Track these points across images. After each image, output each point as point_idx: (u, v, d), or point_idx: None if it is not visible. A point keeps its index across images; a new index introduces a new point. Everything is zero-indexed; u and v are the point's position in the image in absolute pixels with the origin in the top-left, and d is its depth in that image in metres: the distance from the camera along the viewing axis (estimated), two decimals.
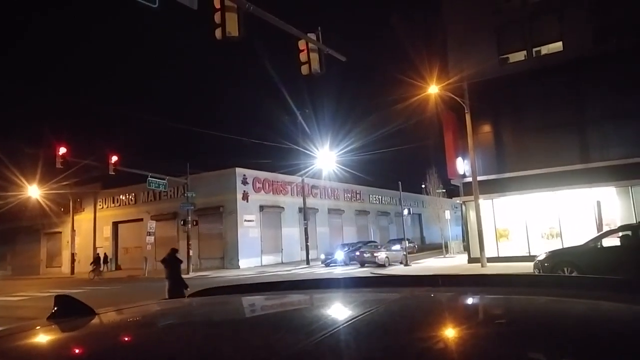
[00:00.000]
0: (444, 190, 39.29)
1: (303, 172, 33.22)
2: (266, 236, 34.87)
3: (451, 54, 22.68)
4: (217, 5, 8.61)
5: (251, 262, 32.38)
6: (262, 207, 34.96)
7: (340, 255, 29.01)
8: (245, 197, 33.61)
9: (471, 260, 22.06)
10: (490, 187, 21.45)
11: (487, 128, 22.53)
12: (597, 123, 19.99)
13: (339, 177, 39.40)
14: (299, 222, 36.47)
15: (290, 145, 31.75)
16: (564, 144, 20.33)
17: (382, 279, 2.45)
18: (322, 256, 30.48)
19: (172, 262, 10.81)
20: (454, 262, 24.94)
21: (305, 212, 33.33)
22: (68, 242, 41.16)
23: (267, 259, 34.04)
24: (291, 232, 36.90)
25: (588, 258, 12.37)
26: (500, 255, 21.27)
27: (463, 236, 28.96)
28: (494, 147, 22.23)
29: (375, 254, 25.63)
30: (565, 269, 12.37)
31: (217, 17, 8.66)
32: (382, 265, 24.86)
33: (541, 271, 12.71)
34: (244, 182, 33.87)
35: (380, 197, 52.03)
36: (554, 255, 13.33)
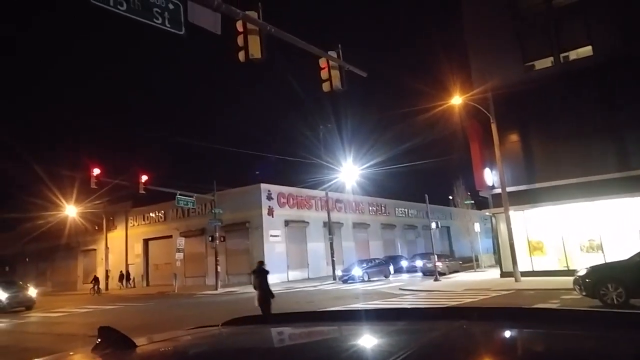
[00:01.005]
0: (473, 202, 38.52)
1: (326, 185, 33.24)
2: (292, 251, 34.91)
3: (474, 63, 22.43)
4: (240, 29, 8.81)
5: (278, 278, 32.38)
6: (287, 222, 35.07)
7: (357, 271, 28.32)
8: (270, 212, 33.83)
9: (504, 274, 21.45)
10: (521, 198, 20.88)
11: (514, 137, 22.05)
12: (635, 128, 19.01)
13: (363, 191, 39.24)
14: (324, 236, 36.36)
15: (314, 159, 31.88)
16: (599, 151, 19.42)
17: (414, 312, 2.35)
18: (339, 273, 29.96)
19: (260, 273, 11.81)
20: (486, 277, 24.28)
21: (330, 227, 33.22)
22: (102, 259, 42.27)
23: (294, 275, 34.01)
24: (316, 247, 36.81)
25: (635, 274, 11.37)
26: (534, 269, 20.58)
27: (494, 249, 28.25)
28: (523, 157, 21.68)
29: (437, 264, 26.25)
30: (610, 286, 11.58)
31: (240, 40, 8.86)
32: (443, 274, 25.98)
33: (582, 287, 12.05)
34: (269, 198, 34.12)
35: (406, 210, 51.42)
36: (595, 270, 12.32)
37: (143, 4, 7.15)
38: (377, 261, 30.84)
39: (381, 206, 47.60)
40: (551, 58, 21.34)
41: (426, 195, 27.23)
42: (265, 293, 11.36)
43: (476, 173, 22.35)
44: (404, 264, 35.80)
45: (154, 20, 7.33)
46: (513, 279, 19.50)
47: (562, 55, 21.13)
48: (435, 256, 27.06)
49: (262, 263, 12.53)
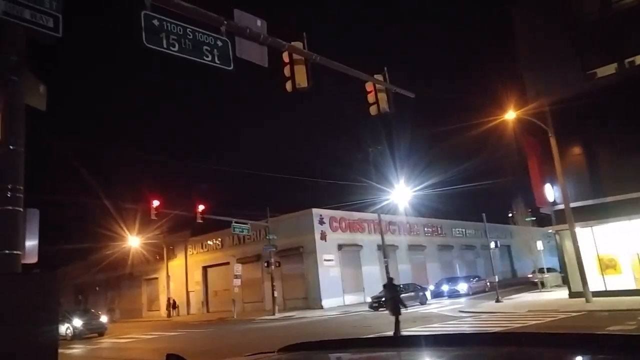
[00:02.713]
0: (534, 219, 36.65)
1: (378, 207, 32.89)
2: (346, 275, 34.61)
3: (528, 76, 21.63)
4: (286, 59, 9.11)
5: (334, 302, 32.16)
6: (340, 246, 34.94)
7: (462, 286, 28.04)
8: (323, 236, 33.87)
9: (572, 294, 20.08)
10: (588, 214, 19.60)
11: (576, 150, 20.90)
12: None
13: (417, 212, 38.45)
14: (379, 260, 35.79)
15: (365, 182, 31.78)
16: None
17: (476, 337, 2.24)
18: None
19: (390, 287, 13.98)
20: (552, 297, 22.81)
21: (384, 250, 32.64)
22: (164, 287, 43.91)
23: (350, 299, 33.60)
24: (371, 271, 36.27)
25: None
26: (607, 289, 19.12)
27: (560, 268, 26.61)
28: (587, 170, 20.44)
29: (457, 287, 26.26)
30: None
31: (286, 71, 9.14)
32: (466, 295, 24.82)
33: None
34: (321, 222, 34.23)
35: (463, 230, 49.75)
36: None
37: (193, 44, 7.58)
38: (410, 287, 29.67)
39: (437, 227, 46.38)
40: (614, 64, 20.13)
41: (483, 215, 26.29)
42: (396, 304, 13.33)
43: (536, 189, 21.33)
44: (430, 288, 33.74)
45: (204, 58, 7.72)
46: (583, 299, 18.20)
47: (626, 60, 19.91)
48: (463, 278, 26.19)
49: (391, 279, 14.64)
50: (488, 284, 34.26)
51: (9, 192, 5.36)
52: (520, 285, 34.93)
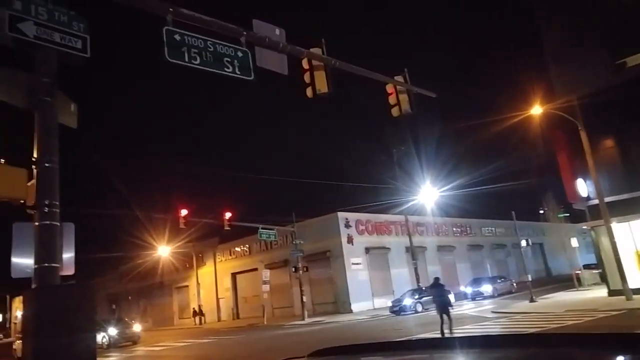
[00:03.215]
0: (567, 215, 35.65)
1: (404, 208, 32.60)
2: (375, 278, 34.38)
3: (555, 70, 21.07)
4: (306, 66, 9.19)
5: (363, 306, 31.98)
6: (367, 249, 34.75)
7: (408, 301, 26.17)
8: (349, 240, 33.77)
9: (612, 292, 19.41)
10: (624, 209, 18.94)
11: (609, 143, 20.25)
12: None
13: (445, 212, 37.93)
14: (407, 262, 35.46)
15: (390, 184, 31.57)
16: None
17: (510, 338, 2.19)
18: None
19: (437, 287, 14.51)
20: (590, 296, 22.08)
21: (412, 251, 32.41)
22: (194, 294, 44.58)
23: (379, 302, 33.33)
24: (400, 273, 35.92)
25: None
26: None
27: (597, 265, 25.73)
28: (621, 163, 19.77)
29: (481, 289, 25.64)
30: None
31: (306, 77, 9.22)
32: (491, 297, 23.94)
33: None
34: (347, 226, 34.15)
35: (493, 229, 48.77)
36: None
37: (214, 56, 7.74)
38: (436, 289, 28.73)
39: (466, 227, 45.62)
40: None
41: (513, 213, 25.73)
42: (443, 303, 13.82)
43: (567, 185, 20.75)
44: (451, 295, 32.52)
45: (225, 69, 7.87)
46: (623, 297, 17.57)
47: None
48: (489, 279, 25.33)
49: (437, 279, 15.04)
50: (514, 284, 33.20)
51: (46, 208, 5.59)
52: (556, 284, 33.92)
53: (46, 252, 5.53)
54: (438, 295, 14.47)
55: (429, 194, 32.04)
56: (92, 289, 5.70)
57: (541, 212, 43.00)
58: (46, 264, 5.49)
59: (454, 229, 44.08)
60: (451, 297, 28.13)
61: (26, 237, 5.72)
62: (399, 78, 11.09)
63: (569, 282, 30.43)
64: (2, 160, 5.40)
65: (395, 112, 10.89)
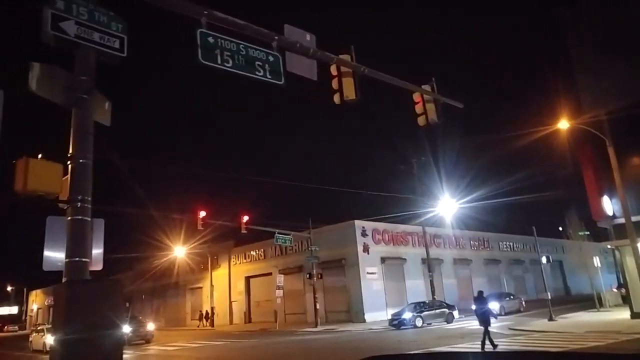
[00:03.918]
0: (587, 233, 34.78)
1: (422, 220, 32.30)
2: (390, 289, 34.06)
3: (582, 84, 20.71)
4: (334, 72, 9.20)
5: (377, 316, 31.67)
6: (383, 259, 34.48)
7: (408, 315, 25.27)
8: (365, 249, 33.57)
9: (635, 315, 18.87)
10: None
11: (637, 160, 19.78)
12: None
13: (463, 225, 37.48)
14: (423, 273, 35.09)
15: (408, 194, 31.35)
16: None
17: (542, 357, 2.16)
18: (389, 317, 27.86)
19: (480, 300, 15.13)
20: (612, 317, 21.47)
21: (429, 263, 32.03)
22: (208, 296, 44.77)
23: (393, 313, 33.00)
24: (415, 285, 35.54)
25: None
26: None
27: (619, 285, 25.06)
28: None
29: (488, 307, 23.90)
30: None
31: (334, 84, 9.23)
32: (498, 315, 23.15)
33: None
34: (364, 234, 33.97)
35: (511, 244, 48.00)
36: None
37: (246, 59, 7.80)
38: (436, 303, 27.78)
39: (483, 240, 45.03)
40: None
41: (534, 228, 25.24)
42: (485, 317, 14.40)
43: (592, 202, 20.32)
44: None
45: (256, 73, 7.93)
46: None
47: None
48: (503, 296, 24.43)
49: (481, 292, 15.90)
50: (523, 303, 31.85)
51: (79, 203, 5.68)
52: (575, 303, 33.10)
53: (77, 247, 5.62)
54: (480, 308, 14.78)
55: (447, 205, 31.70)
56: (120, 285, 5.76)
57: (560, 229, 42.08)
58: (77, 259, 5.57)
59: (472, 242, 43.54)
60: (455, 312, 27.37)
61: (58, 231, 5.82)
62: (427, 87, 11.03)
63: (589, 302, 29.67)
64: (40, 155, 5.50)
65: (421, 121, 10.82)
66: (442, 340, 17.71)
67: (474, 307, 26.83)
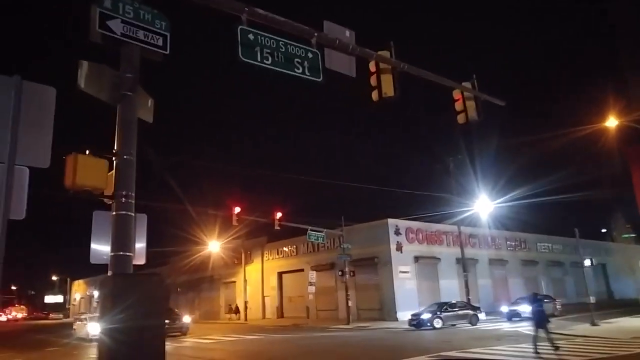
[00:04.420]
0: (633, 235, 33.26)
1: (458, 219, 31.67)
2: (423, 288, 33.62)
3: (632, 80, 19.77)
4: (373, 69, 9.07)
5: (409, 315, 31.30)
6: (416, 258, 34.05)
7: (426, 315, 24.73)
8: (398, 247, 33.22)
9: None
10: None
11: None
12: None
13: (500, 225, 36.52)
14: (457, 273, 34.45)
15: (444, 193, 30.79)
16: None
17: None
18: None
19: (535, 301, 14.92)
20: None
21: (463, 263, 31.40)
22: (241, 291, 45.45)
23: None
24: (449, 285, 34.93)
25: None
26: None
27: None
28: None
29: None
30: None
31: (373, 80, 9.09)
32: None
33: None
34: (397, 233, 33.62)
35: (550, 245, 46.45)
36: None
37: (286, 56, 7.78)
38: (458, 304, 26.79)
39: (520, 241, 43.78)
40: None
41: (576, 230, 24.25)
42: (541, 317, 14.29)
43: None
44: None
45: (295, 70, 7.90)
46: None
47: None
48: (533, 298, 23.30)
49: (536, 294, 15.75)
50: (558, 307, 29.45)
51: (123, 198, 5.81)
52: (619, 308, 31.63)
53: (121, 241, 5.75)
54: (535, 309, 14.71)
55: (484, 205, 30.94)
56: (163, 279, 5.86)
57: (604, 230, 40.45)
58: (121, 253, 5.71)
59: (508, 242, 42.44)
60: (481, 315, 26.64)
61: (104, 226, 5.99)
62: (467, 84, 10.74)
63: (634, 306, 28.32)
64: (87, 152, 5.65)
65: (461, 118, 10.54)
66: (477, 341, 17.30)
67: (526, 308, 26.19)
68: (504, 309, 28.54)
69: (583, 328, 20.95)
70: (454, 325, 24.94)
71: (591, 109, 18.01)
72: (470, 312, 26.23)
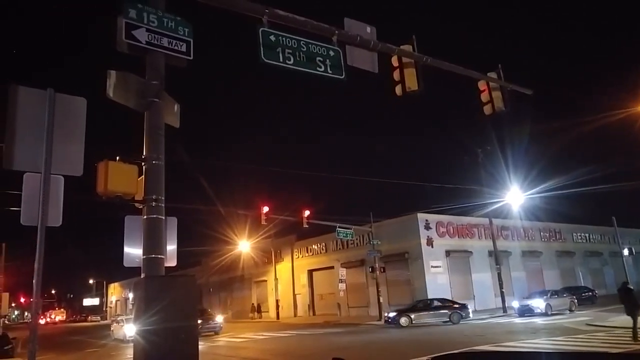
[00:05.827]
0: None
1: (489, 211, 31.02)
2: (455, 282, 33.15)
3: None
4: (395, 63, 8.97)
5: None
6: (448, 252, 33.59)
7: (538, 303, 24.68)
8: (429, 242, 32.85)
9: None
10: None
11: None
12: None
13: (532, 216, 35.61)
14: (490, 266, 33.80)
15: (474, 186, 30.22)
16: None
17: None
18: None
19: (625, 290, 15.40)
20: None
21: (496, 256, 30.77)
22: (272, 289, 45.93)
23: None
24: (482, 278, 34.32)
25: None
26: None
27: None
28: None
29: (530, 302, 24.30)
30: None
31: (396, 75, 9.00)
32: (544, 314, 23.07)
33: None
34: (427, 227, 33.25)
35: (587, 235, 45.01)
36: None
37: (307, 56, 7.78)
38: (435, 304, 25.86)
39: (554, 232, 42.56)
40: None
41: (613, 218, 23.46)
42: (633, 305, 14.78)
43: None
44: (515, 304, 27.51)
45: (317, 69, 7.89)
46: None
47: None
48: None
49: (626, 283, 16.15)
50: (575, 301, 27.58)
51: (153, 203, 5.95)
52: None
53: (153, 244, 5.89)
54: (627, 298, 15.19)
55: (515, 196, 30.21)
56: (195, 281, 5.99)
57: None
58: (153, 255, 5.86)
59: (542, 233, 41.34)
60: (469, 311, 25.44)
61: (135, 229, 6.16)
62: (492, 74, 10.49)
63: None
64: (117, 158, 5.81)
65: (487, 110, 10.32)
66: (512, 335, 16.95)
67: (539, 303, 25.44)
68: (515, 304, 26.97)
69: (623, 319, 20.11)
70: (426, 323, 24.51)
71: (627, 93, 17.28)
72: (448, 311, 25.06)
